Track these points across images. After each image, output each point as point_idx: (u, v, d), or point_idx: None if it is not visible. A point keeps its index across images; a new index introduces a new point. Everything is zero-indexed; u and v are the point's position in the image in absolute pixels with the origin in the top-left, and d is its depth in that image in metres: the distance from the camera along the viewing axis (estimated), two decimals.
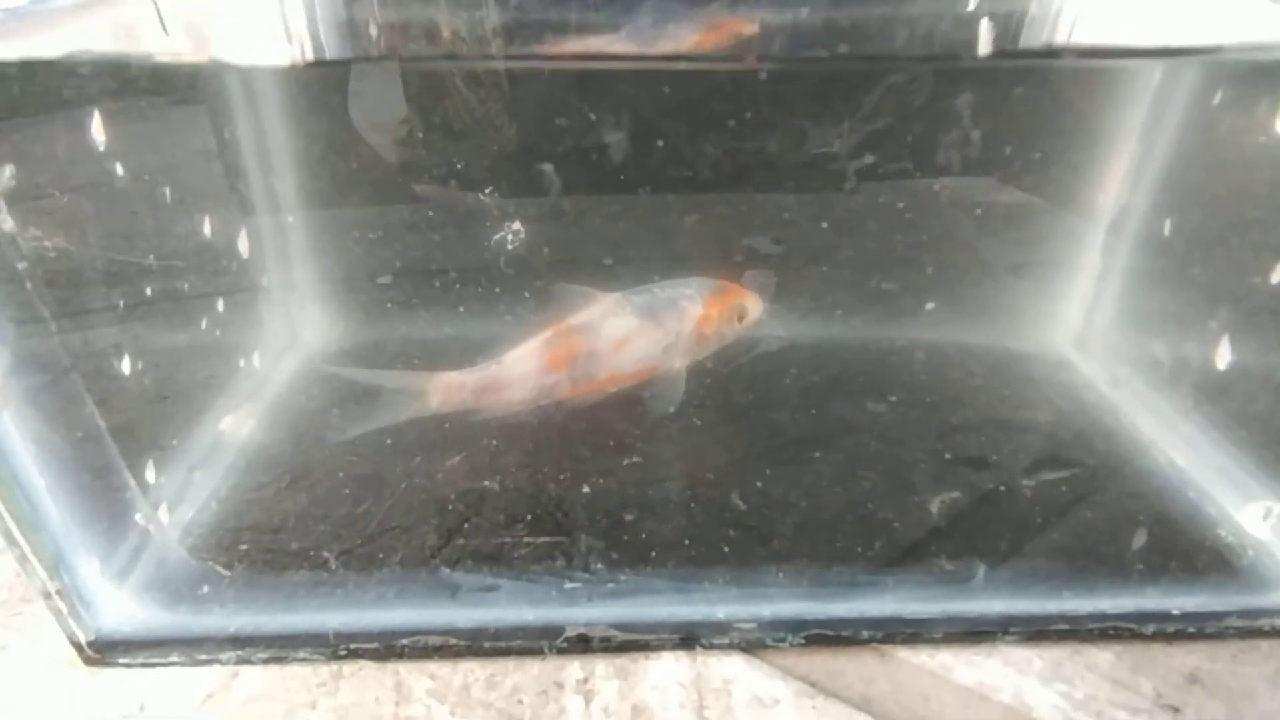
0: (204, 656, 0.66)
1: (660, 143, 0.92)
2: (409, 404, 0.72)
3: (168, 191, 0.75)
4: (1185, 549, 0.74)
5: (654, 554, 0.73)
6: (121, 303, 0.71)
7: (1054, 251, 1.00)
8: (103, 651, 0.66)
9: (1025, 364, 1.00)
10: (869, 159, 0.89)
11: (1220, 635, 0.68)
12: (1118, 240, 0.93)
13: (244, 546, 0.73)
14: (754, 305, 0.77)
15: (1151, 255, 0.90)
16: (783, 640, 0.67)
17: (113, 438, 0.66)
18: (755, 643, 0.67)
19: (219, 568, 0.69)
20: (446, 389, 0.72)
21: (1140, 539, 0.74)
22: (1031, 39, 0.58)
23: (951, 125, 0.86)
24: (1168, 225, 0.86)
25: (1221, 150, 0.79)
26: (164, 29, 0.54)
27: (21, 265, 0.53)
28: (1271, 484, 0.75)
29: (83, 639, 0.65)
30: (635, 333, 0.73)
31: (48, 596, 0.62)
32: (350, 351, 1.03)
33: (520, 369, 0.73)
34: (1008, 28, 0.58)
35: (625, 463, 0.83)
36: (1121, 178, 0.91)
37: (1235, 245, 0.77)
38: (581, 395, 0.75)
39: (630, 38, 0.53)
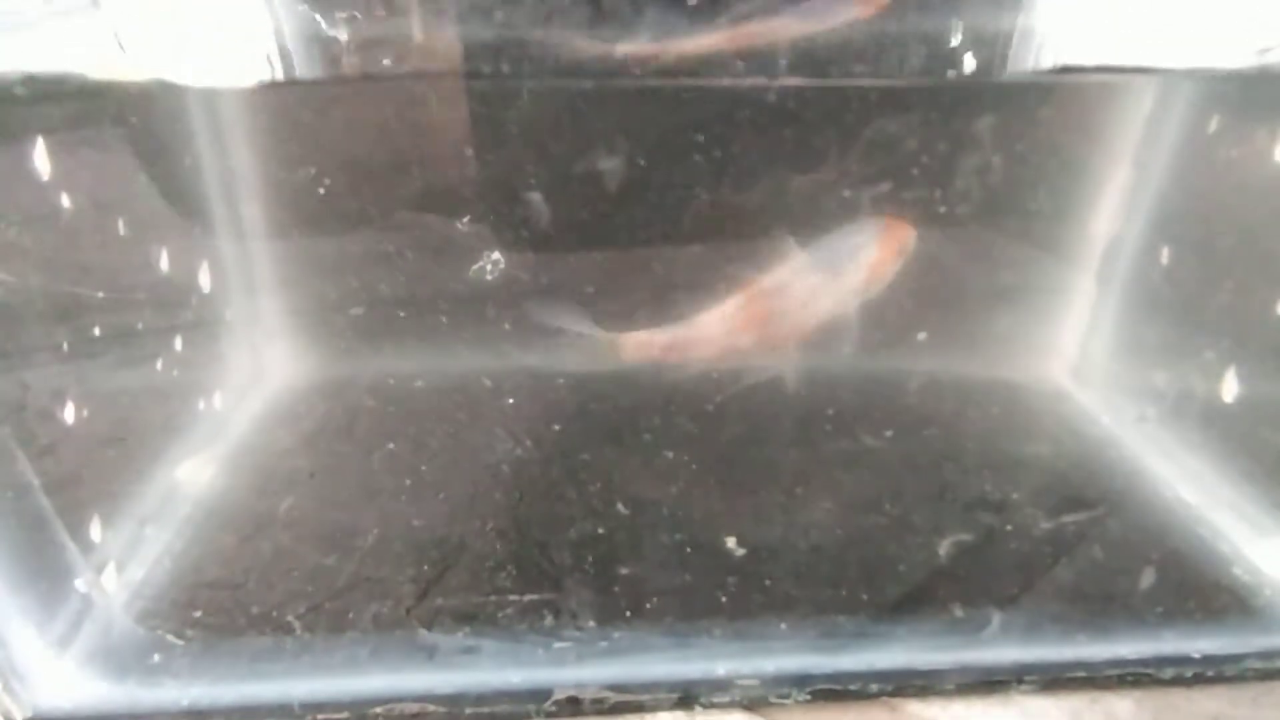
0: None
1: (643, 170, 0.89)
2: (600, 353, 0.77)
3: (121, 222, 0.70)
4: (1200, 589, 0.71)
5: (648, 606, 0.69)
6: (65, 343, 0.66)
7: (1049, 280, 0.99)
8: None
9: (1023, 395, 0.98)
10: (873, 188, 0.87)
11: (1240, 678, 0.65)
12: (1113, 268, 0.92)
13: (200, 609, 0.67)
14: (911, 234, 0.78)
15: (1150, 284, 0.89)
16: (787, 696, 0.63)
17: (55, 490, 0.61)
18: (758, 700, 0.63)
19: (170, 636, 0.63)
20: (635, 346, 0.76)
21: (1153, 579, 0.72)
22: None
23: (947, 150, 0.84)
24: (1165, 253, 0.85)
25: (1219, 177, 0.79)
26: (120, 46, 0.50)
27: None
28: None
29: (18, 716, 0.59)
30: (821, 290, 0.76)
31: None
32: (319, 387, 0.97)
33: (709, 331, 0.76)
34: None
35: (615, 507, 0.79)
36: (1116, 205, 0.90)
37: (1241, 273, 0.76)
38: (764, 351, 0.79)
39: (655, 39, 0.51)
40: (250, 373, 0.97)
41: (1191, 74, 0.71)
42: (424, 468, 0.82)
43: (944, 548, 0.75)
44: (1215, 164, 0.78)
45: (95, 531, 0.66)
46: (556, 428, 0.89)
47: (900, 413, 0.93)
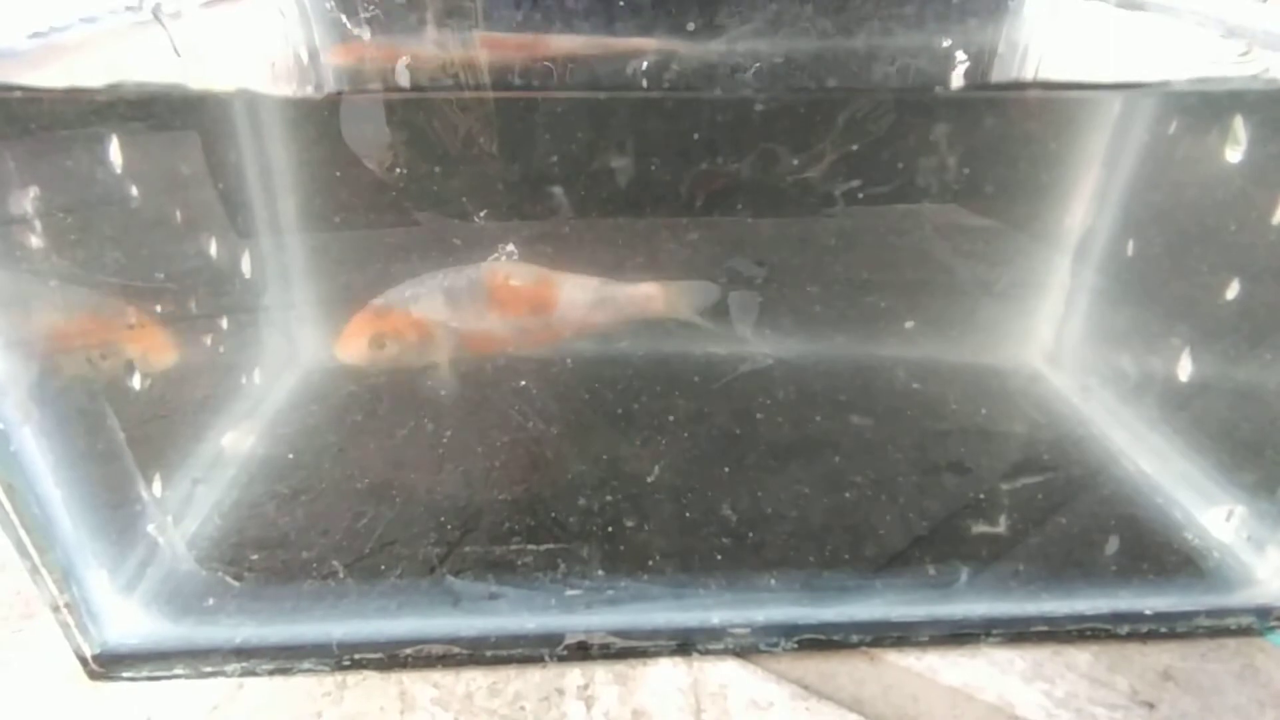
0: (209, 669, 0.67)
1: (638, 168, 0.95)
2: None
3: (179, 213, 0.77)
4: (1155, 552, 0.77)
5: (650, 563, 0.75)
6: (132, 318, 0.73)
7: (1025, 272, 1.05)
8: (108, 665, 0.66)
9: (1001, 379, 1.04)
10: (848, 185, 0.93)
11: (1191, 634, 0.71)
12: (1084, 261, 0.98)
13: (247, 559, 0.74)
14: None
15: (1116, 274, 0.95)
16: (775, 645, 0.69)
17: (128, 447, 0.67)
18: (749, 648, 0.69)
19: (229, 578, 0.70)
20: None
21: (1112, 543, 0.78)
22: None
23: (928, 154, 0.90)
24: (1130, 246, 0.91)
25: (1176, 176, 0.85)
26: (176, 52, 0.56)
27: (53, 282, 0.55)
28: (1232, 488, 0.79)
29: (88, 652, 0.66)
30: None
31: (56, 609, 0.63)
32: (346, 368, 1.04)
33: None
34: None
35: (622, 477, 0.85)
36: (1086, 202, 0.96)
37: (1194, 262, 0.82)
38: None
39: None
40: (285, 354, 1.04)
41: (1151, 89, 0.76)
42: (444, 440, 0.89)
43: (921, 513, 0.81)
44: (1173, 163, 0.84)
45: (157, 487, 0.73)
46: (567, 405, 0.96)
47: (886, 395, 1.00)
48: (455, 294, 0.79)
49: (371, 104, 0.84)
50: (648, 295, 0.88)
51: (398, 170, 0.89)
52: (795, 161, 0.89)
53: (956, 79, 0.56)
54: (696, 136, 0.88)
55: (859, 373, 1.05)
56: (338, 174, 0.95)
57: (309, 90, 0.52)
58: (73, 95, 0.52)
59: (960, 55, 0.56)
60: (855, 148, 0.87)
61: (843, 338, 1.09)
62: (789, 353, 1.06)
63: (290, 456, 0.87)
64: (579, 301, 0.86)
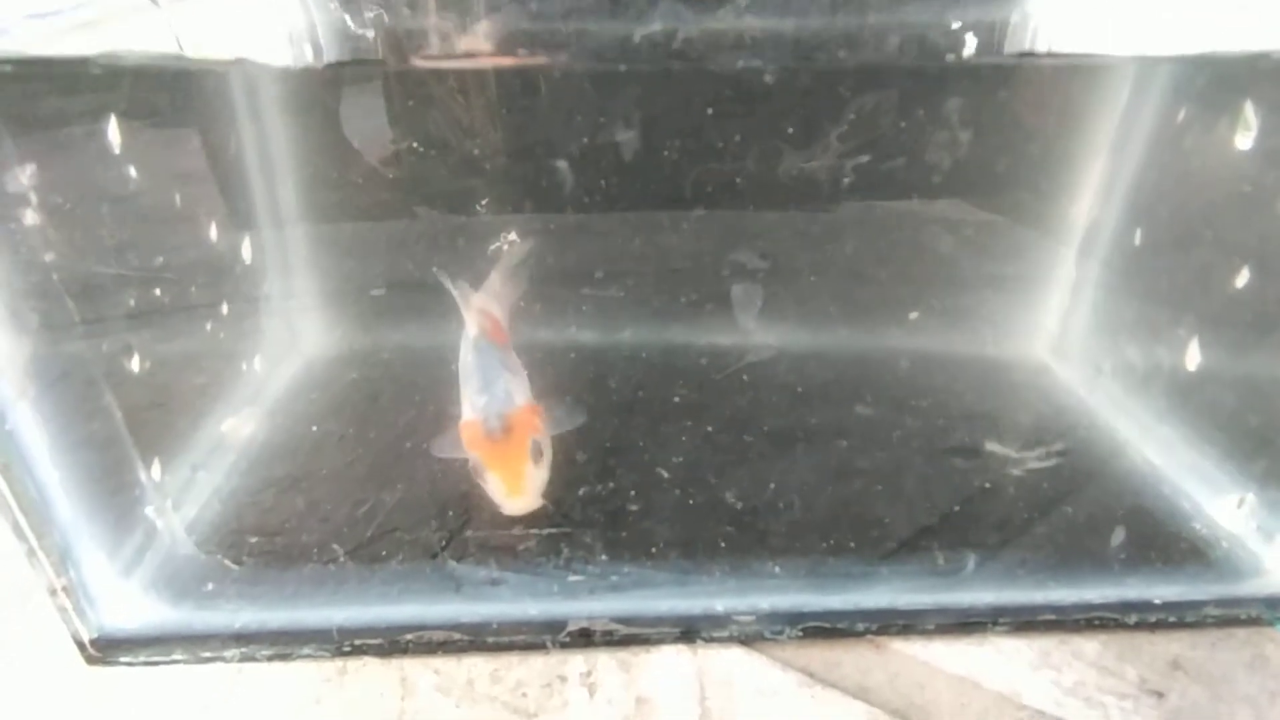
0: (208, 654, 0.66)
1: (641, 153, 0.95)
2: None
3: (178, 196, 0.77)
4: (1164, 542, 0.76)
5: (654, 549, 0.74)
6: (133, 302, 0.72)
7: (1033, 263, 1.04)
8: (105, 650, 0.66)
9: (1008, 370, 1.04)
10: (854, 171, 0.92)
11: (1200, 624, 0.70)
12: (1090, 251, 0.98)
13: (247, 543, 0.73)
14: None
15: (1123, 265, 0.94)
16: (780, 633, 0.69)
17: (127, 430, 0.67)
18: (754, 635, 0.69)
19: (228, 562, 0.69)
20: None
21: (1120, 533, 0.77)
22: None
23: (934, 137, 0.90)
24: (1137, 235, 0.90)
25: (1185, 164, 0.84)
26: (180, 46, 0.55)
27: (49, 258, 0.54)
28: (1241, 478, 0.79)
29: (85, 637, 0.65)
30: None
31: (53, 593, 0.62)
32: (346, 356, 1.04)
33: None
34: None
35: (625, 466, 0.85)
36: (1091, 192, 0.95)
37: (1204, 251, 0.81)
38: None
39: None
40: (286, 342, 1.03)
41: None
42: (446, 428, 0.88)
43: (928, 502, 0.80)
44: (1181, 150, 0.83)
45: (156, 471, 0.73)
46: (574, 394, 0.95)
47: (892, 386, 0.99)
48: (510, 358, 0.82)
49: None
50: (485, 301, 0.91)
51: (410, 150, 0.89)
52: (792, 130, 0.88)
53: (968, 48, 0.55)
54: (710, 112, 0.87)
55: (864, 363, 1.04)
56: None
57: (309, 59, 0.51)
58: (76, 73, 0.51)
59: (970, 30, 0.55)
60: (852, 122, 0.86)
61: (847, 329, 1.09)
62: (793, 344, 1.06)
63: (314, 430, 0.86)
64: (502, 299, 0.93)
